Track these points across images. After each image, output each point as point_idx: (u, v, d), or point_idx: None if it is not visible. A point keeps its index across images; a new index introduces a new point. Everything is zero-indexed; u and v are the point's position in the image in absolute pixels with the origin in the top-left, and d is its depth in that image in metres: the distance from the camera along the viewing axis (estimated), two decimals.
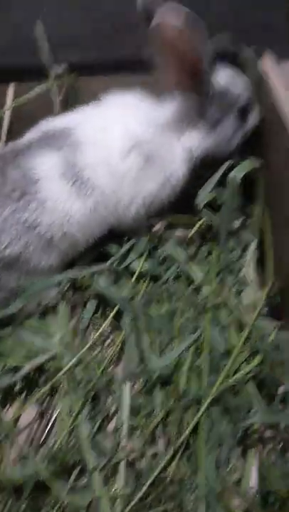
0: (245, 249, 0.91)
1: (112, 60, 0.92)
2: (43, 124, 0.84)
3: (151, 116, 0.82)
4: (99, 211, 0.81)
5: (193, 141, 0.84)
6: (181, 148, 0.83)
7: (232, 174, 0.82)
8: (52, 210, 0.76)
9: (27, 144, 0.80)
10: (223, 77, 0.82)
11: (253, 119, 0.86)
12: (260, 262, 0.89)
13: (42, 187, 0.76)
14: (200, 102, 0.80)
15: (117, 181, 0.80)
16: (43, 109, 0.94)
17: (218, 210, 0.86)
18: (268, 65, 0.85)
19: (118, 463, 0.65)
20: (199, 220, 0.89)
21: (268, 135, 0.85)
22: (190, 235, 0.89)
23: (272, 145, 0.84)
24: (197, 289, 0.84)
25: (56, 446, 0.67)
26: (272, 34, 0.93)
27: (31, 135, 0.83)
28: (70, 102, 0.95)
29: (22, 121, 0.90)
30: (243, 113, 0.84)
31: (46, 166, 0.77)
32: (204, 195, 0.84)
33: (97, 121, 0.82)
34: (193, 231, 0.88)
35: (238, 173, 0.81)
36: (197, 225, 0.88)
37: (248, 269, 0.87)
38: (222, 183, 0.84)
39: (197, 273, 0.85)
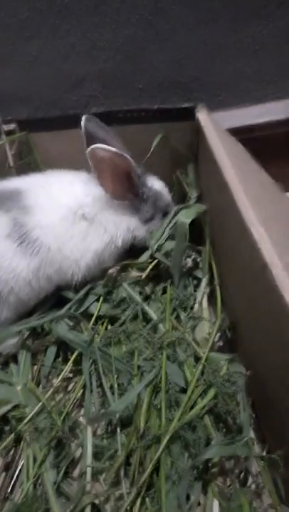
0: (197, 286, 0.96)
1: (60, 116, 0.97)
2: None
3: (97, 190, 0.90)
4: (44, 269, 0.85)
5: (130, 225, 0.94)
6: (121, 219, 0.93)
7: (180, 219, 0.87)
8: (5, 267, 0.80)
9: None
10: (157, 184, 0.98)
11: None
12: (212, 297, 0.94)
13: None
14: (135, 201, 0.93)
15: (63, 242, 0.86)
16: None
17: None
18: (203, 115, 0.93)
19: (84, 509, 0.66)
20: (152, 261, 0.94)
21: (207, 178, 0.92)
22: (144, 276, 0.92)
23: (211, 186, 0.90)
24: (154, 327, 0.88)
25: (22, 496, 0.67)
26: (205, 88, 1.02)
27: None
28: (23, 155, 0.99)
29: None
30: (165, 214, 0.98)
31: None
32: (155, 240, 0.89)
33: (46, 189, 0.88)
34: (146, 272, 0.92)
35: (185, 219, 0.87)
36: (150, 267, 0.92)
37: (201, 305, 0.92)
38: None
39: (153, 312, 0.89)
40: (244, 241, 0.70)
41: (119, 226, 0.92)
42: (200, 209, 0.90)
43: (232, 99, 1.08)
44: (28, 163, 1.00)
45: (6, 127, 0.95)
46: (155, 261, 0.93)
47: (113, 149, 0.82)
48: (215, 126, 0.92)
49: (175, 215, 0.93)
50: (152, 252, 0.91)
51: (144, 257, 0.94)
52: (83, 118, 0.88)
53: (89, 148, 0.82)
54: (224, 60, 1.01)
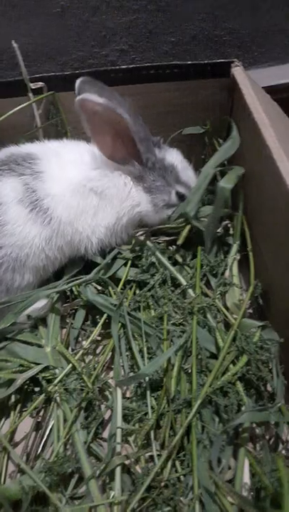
0: (227, 253, 0.94)
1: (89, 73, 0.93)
2: (7, 149, 0.86)
3: (106, 162, 0.85)
4: (56, 240, 0.83)
5: (135, 198, 0.88)
6: (127, 192, 0.87)
7: (221, 184, 0.84)
8: (11, 234, 0.78)
9: None
10: (172, 156, 0.90)
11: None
12: (243, 265, 0.91)
13: (2, 211, 0.78)
14: (138, 169, 0.86)
15: (74, 216, 0.83)
16: (24, 124, 0.95)
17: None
18: (239, 71, 0.87)
19: (114, 469, 0.66)
20: (183, 226, 0.91)
21: (242, 137, 0.88)
22: (179, 242, 0.90)
23: (247, 146, 0.86)
24: (183, 293, 0.86)
25: (53, 456, 0.68)
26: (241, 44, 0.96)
27: None
28: (51, 115, 0.96)
29: (6, 134, 0.93)
30: (180, 197, 0.91)
31: (6, 190, 0.79)
32: (193, 204, 0.86)
33: (58, 158, 0.84)
34: (181, 239, 0.90)
35: (227, 184, 0.83)
36: (184, 232, 0.89)
37: (231, 272, 0.89)
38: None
39: (182, 277, 0.87)
40: (284, 200, 0.67)
41: (125, 200, 0.87)
42: (239, 172, 0.86)
43: (268, 56, 1.02)
44: (55, 124, 0.97)
45: (33, 85, 0.91)
46: (188, 226, 0.90)
47: (105, 101, 0.74)
48: (251, 83, 0.87)
49: (213, 178, 0.89)
50: (188, 217, 0.88)
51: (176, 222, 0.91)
52: (78, 81, 0.81)
53: (77, 98, 0.74)
54: (264, 13, 0.94)
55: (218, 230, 0.93)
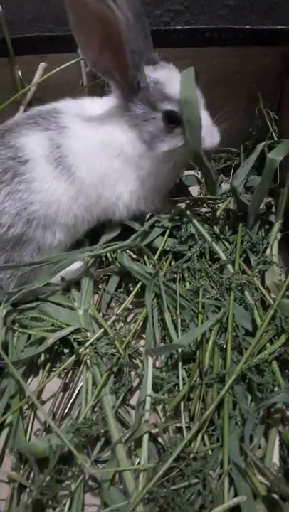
0: (267, 231, 0.90)
1: None
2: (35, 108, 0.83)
3: (125, 122, 0.78)
4: (81, 200, 0.79)
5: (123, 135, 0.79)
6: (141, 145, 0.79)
7: (271, 156, 0.80)
8: (39, 191, 0.75)
9: (16, 123, 0.79)
10: (161, 71, 0.76)
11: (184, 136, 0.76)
12: (283, 244, 0.88)
13: (29, 168, 0.75)
14: (126, 92, 0.75)
15: (97, 178, 0.79)
16: (70, 83, 0.92)
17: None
18: None
19: (141, 436, 0.65)
20: (225, 198, 0.88)
21: None
22: (218, 212, 0.87)
23: None
24: (221, 268, 0.84)
25: (81, 418, 0.67)
26: None
27: (21, 116, 0.82)
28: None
29: (50, 92, 0.90)
30: (171, 120, 0.76)
31: (33, 146, 0.76)
32: (241, 177, 0.83)
33: (85, 117, 0.79)
34: (220, 209, 0.87)
35: (276, 156, 0.80)
36: (224, 204, 0.86)
37: (272, 250, 0.86)
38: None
39: (221, 252, 0.85)
40: None
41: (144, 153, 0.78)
42: None
43: None
44: (101, 85, 0.94)
45: None
46: (229, 198, 0.87)
47: None
48: None
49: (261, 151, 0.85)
50: (236, 191, 0.85)
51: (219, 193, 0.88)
52: None
53: None
54: None
55: (260, 207, 0.90)
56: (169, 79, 0.74)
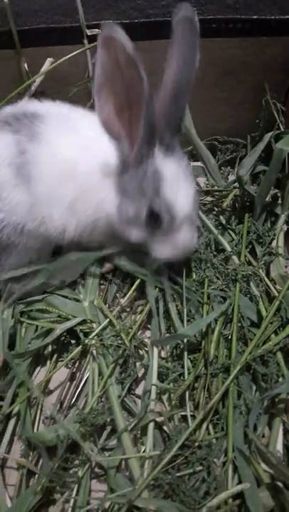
0: (273, 223, 0.91)
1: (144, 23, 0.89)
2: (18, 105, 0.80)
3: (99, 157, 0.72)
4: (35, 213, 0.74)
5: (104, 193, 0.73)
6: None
7: (279, 146, 0.80)
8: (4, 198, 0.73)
9: None
10: (169, 168, 0.69)
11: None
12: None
13: None
14: (124, 159, 0.69)
15: (52, 201, 0.74)
16: (76, 75, 0.93)
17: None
18: None
19: (147, 425, 0.67)
20: (232, 189, 0.88)
21: None
22: (225, 204, 0.88)
23: None
24: (226, 259, 0.84)
25: (88, 407, 0.69)
26: None
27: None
28: None
29: (55, 83, 0.91)
30: (154, 219, 0.70)
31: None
32: (247, 166, 0.83)
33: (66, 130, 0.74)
34: (227, 200, 0.87)
35: (285, 146, 0.80)
36: (231, 195, 0.86)
37: (278, 242, 0.87)
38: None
39: (227, 242, 0.85)
40: None
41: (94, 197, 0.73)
42: None
43: None
44: None
45: (89, 32, 0.87)
46: (236, 190, 0.87)
47: (134, 50, 0.56)
48: None
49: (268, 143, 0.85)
50: (241, 180, 0.85)
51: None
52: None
53: (104, 33, 0.56)
54: None
55: (266, 199, 0.90)
56: (172, 181, 0.69)
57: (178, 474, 0.61)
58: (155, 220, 0.70)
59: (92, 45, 0.88)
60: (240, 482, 0.61)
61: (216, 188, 0.92)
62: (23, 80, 0.92)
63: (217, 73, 0.94)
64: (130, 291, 0.82)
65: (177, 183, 0.69)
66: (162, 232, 0.72)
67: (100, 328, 0.75)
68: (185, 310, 0.77)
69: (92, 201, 0.74)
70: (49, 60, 0.90)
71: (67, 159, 0.72)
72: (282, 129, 0.90)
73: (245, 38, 0.89)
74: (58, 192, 0.73)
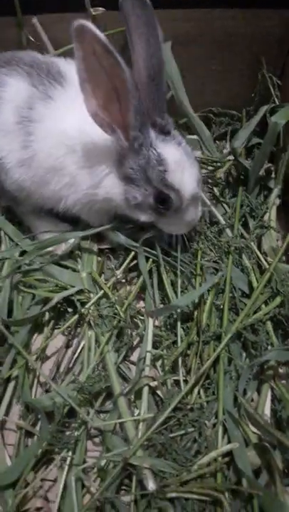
0: (266, 197, 0.92)
1: None
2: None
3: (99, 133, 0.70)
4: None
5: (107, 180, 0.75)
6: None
7: (274, 119, 0.81)
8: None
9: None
10: (169, 150, 0.70)
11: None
12: (281, 211, 0.90)
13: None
14: (122, 149, 0.70)
15: (54, 169, 0.75)
16: None
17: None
18: None
19: (141, 389, 0.69)
20: (226, 161, 0.89)
21: None
22: (218, 175, 0.89)
23: None
24: (219, 231, 0.86)
25: (83, 374, 0.71)
26: None
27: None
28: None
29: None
30: (164, 202, 0.73)
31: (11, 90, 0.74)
32: (242, 138, 0.84)
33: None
34: (221, 171, 0.88)
35: (279, 119, 0.81)
36: (225, 167, 0.87)
37: (270, 215, 0.88)
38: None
39: (220, 215, 0.87)
40: None
41: (96, 187, 0.75)
42: None
43: None
44: None
45: (93, 11, 0.87)
46: (230, 162, 0.88)
47: (106, 40, 0.57)
48: None
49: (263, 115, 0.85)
50: (236, 152, 0.86)
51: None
52: None
53: (75, 24, 0.56)
54: None
55: (260, 173, 0.91)
56: (176, 165, 0.70)
57: (171, 435, 0.64)
58: (163, 204, 0.73)
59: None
60: (229, 442, 0.64)
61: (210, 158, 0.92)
62: (23, 47, 0.91)
63: (213, 45, 0.94)
64: (124, 264, 0.83)
65: (180, 165, 0.71)
66: (170, 212, 0.74)
67: (97, 297, 0.77)
68: (179, 281, 0.79)
69: (93, 177, 0.75)
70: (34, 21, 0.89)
71: (69, 136, 0.73)
72: (278, 103, 0.90)
73: (242, 10, 0.88)
74: (57, 163, 0.75)
